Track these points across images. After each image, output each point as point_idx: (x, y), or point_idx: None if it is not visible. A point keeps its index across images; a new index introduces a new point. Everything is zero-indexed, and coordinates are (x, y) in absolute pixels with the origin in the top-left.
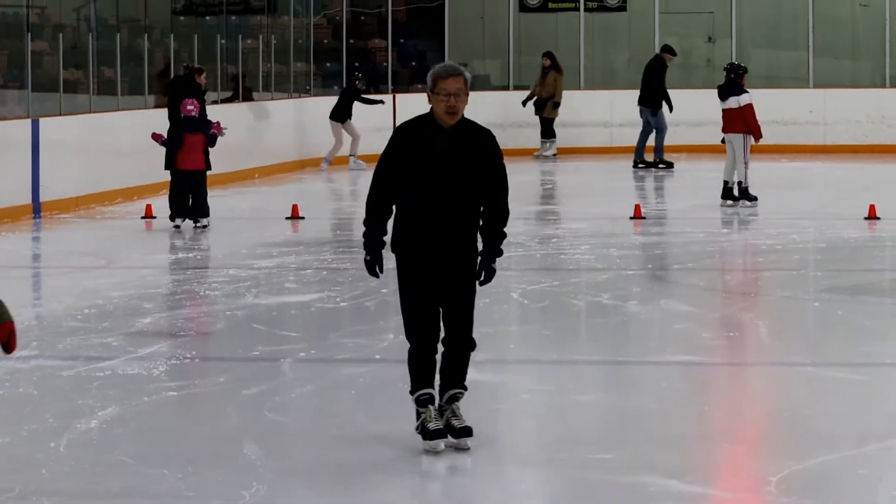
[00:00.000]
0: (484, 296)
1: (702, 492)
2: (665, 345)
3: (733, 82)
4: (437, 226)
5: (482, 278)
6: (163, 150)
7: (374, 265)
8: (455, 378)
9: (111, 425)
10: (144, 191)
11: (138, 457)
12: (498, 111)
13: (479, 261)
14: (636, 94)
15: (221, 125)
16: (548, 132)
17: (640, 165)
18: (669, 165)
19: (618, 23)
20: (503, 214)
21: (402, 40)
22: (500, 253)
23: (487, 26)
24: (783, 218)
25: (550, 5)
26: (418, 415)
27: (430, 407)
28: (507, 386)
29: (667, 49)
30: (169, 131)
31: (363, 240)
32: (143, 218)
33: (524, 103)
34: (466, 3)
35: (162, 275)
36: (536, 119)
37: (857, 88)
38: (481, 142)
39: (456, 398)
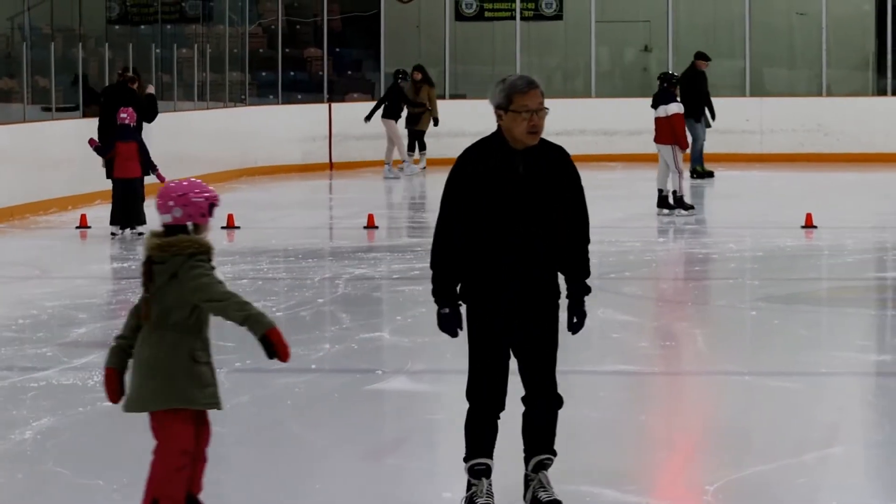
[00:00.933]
0: (419, 305)
1: (639, 501)
2: (602, 354)
3: (666, 91)
4: (519, 264)
5: (574, 321)
6: (99, 159)
7: (452, 322)
8: (543, 442)
9: (45, 436)
10: (79, 200)
11: (73, 468)
12: None
13: (564, 302)
14: (571, 102)
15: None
16: (422, 144)
17: (694, 176)
18: (709, 174)
19: (554, 31)
20: (587, 245)
21: (337, 49)
22: (589, 290)
23: (423, 35)
24: (720, 227)
25: (486, 14)
26: (469, 486)
27: (485, 480)
28: (444, 395)
29: (699, 56)
30: (101, 139)
31: (433, 287)
32: (77, 228)
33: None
34: (402, 12)
35: (97, 285)
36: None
37: (794, 97)
38: (558, 161)
39: (545, 465)
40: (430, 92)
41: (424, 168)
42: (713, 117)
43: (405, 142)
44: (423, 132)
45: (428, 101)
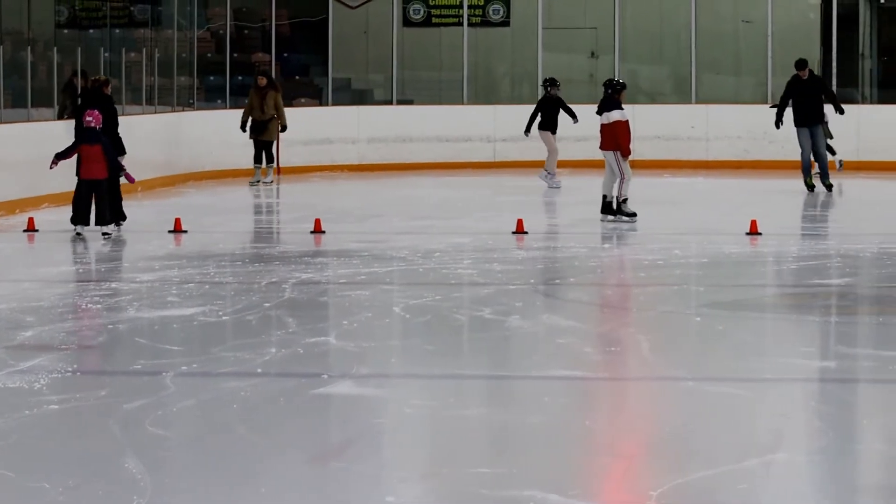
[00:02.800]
0: (365, 310)
1: None
2: (547, 359)
3: (610, 98)
4: None
5: None
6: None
7: None
8: None
9: None
10: (27, 204)
11: (19, 470)
12: (382, 125)
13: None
14: (518, 108)
15: (132, 177)
16: (270, 156)
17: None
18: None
19: (501, 38)
20: None
21: (285, 54)
22: None
23: (371, 41)
24: (665, 233)
25: (434, 20)
26: None
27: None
28: (390, 400)
29: (798, 64)
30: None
31: None
32: (24, 231)
33: (243, 127)
34: (350, 17)
35: (44, 288)
36: (424, 133)
37: (740, 104)
38: None
39: None
40: (277, 98)
41: (272, 182)
42: (776, 125)
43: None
44: (272, 142)
45: (275, 107)
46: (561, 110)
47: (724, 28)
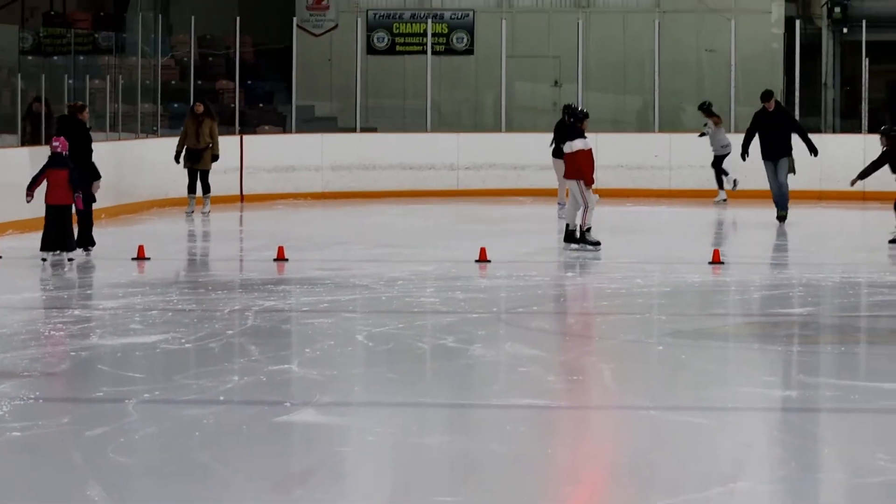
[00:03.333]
0: (328, 338)
1: None
2: (510, 388)
3: (572, 127)
4: None
5: None
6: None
7: None
8: None
9: None
10: None
11: None
12: (346, 153)
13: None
14: (482, 136)
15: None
16: (206, 186)
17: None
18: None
19: (465, 66)
20: None
21: (249, 81)
22: None
23: (335, 68)
24: (628, 262)
25: (398, 48)
26: None
27: None
28: (352, 428)
29: (764, 96)
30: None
31: None
32: None
33: (177, 157)
34: (314, 45)
35: (6, 315)
36: (387, 161)
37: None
38: None
39: None
40: (213, 126)
41: (209, 212)
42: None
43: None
44: (207, 171)
45: (210, 136)
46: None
47: (688, 57)
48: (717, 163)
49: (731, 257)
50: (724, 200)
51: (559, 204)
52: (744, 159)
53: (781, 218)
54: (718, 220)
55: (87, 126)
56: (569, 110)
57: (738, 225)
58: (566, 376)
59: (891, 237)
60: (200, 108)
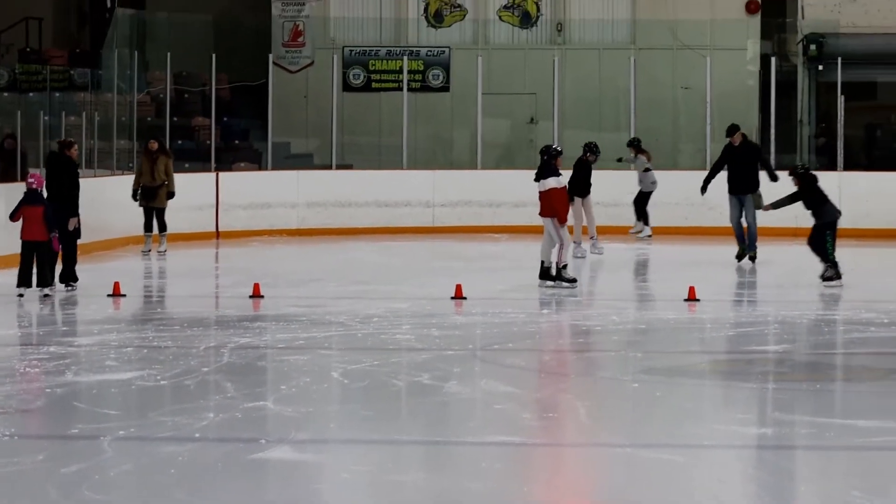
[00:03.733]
0: (304, 375)
1: None
2: (485, 425)
3: (547, 164)
4: None
5: None
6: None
7: None
8: None
9: None
10: None
11: None
12: (321, 190)
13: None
14: (457, 173)
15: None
16: (163, 224)
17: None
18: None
19: (441, 102)
20: None
21: (225, 118)
22: None
23: (311, 105)
24: (603, 299)
25: (374, 85)
26: None
27: None
28: (328, 465)
29: (728, 130)
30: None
31: None
32: None
33: (134, 195)
34: (290, 82)
35: None
36: (363, 198)
37: (679, 171)
38: None
39: None
40: (168, 164)
41: (165, 251)
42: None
43: (583, 224)
44: (163, 210)
45: (165, 173)
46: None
47: (663, 94)
48: (643, 199)
49: (707, 294)
50: (649, 236)
51: (575, 243)
52: (702, 193)
53: (752, 258)
54: (694, 256)
55: (76, 163)
56: (545, 150)
57: (714, 262)
58: (541, 413)
59: (824, 273)
60: (155, 146)
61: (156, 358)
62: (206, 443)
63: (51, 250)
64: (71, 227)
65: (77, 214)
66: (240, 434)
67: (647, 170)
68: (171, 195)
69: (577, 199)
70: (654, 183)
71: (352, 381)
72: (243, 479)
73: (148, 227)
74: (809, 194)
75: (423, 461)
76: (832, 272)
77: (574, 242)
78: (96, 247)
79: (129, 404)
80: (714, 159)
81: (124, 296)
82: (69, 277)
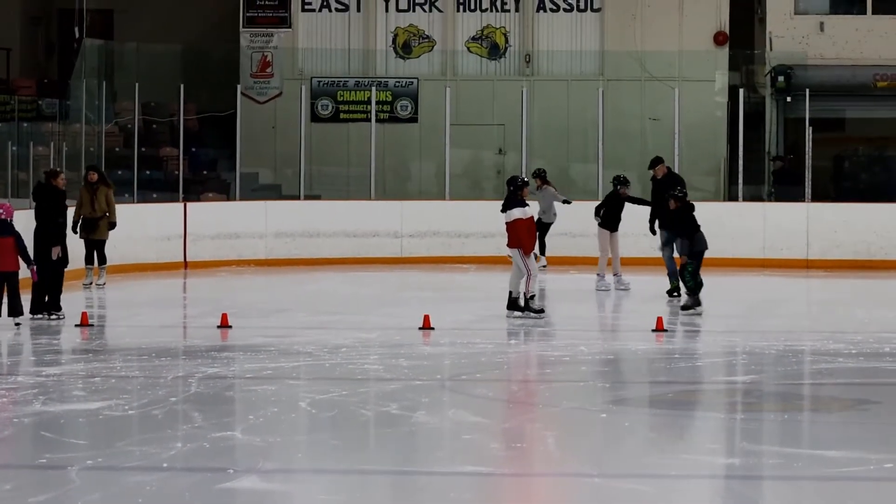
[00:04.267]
0: (272, 405)
1: None
2: (453, 455)
3: (513, 195)
4: None
5: None
6: None
7: None
8: None
9: None
10: None
11: None
12: (289, 220)
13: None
14: (426, 203)
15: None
16: (103, 257)
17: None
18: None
19: (409, 133)
20: None
21: (193, 149)
22: None
23: (279, 135)
24: (571, 329)
25: (342, 116)
26: None
27: None
28: (296, 495)
29: (651, 163)
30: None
31: None
32: None
33: (74, 227)
34: (258, 112)
35: None
36: (332, 228)
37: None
38: None
39: None
40: (109, 194)
41: (104, 283)
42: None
43: (608, 259)
44: (104, 242)
45: (107, 204)
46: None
47: (632, 125)
48: (542, 230)
49: (674, 325)
50: (544, 266)
51: (598, 276)
52: (653, 233)
53: (682, 291)
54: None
55: (63, 192)
56: (511, 181)
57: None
58: (510, 443)
59: (682, 303)
60: (94, 177)
61: (123, 388)
62: (174, 472)
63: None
64: (54, 257)
65: (63, 244)
66: (208, 464)
67: (565, 201)
68: (112, 226)
69: (606, 233)
70: (555, 215)
71: (320, 410)
72: None
73: (89, 259)
74: (682, 220)
75: (391, 491)
76: (690, 301)
77: (598, 275)
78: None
79: (97, 434)
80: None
81: (92, 325)
82: (54, 307)
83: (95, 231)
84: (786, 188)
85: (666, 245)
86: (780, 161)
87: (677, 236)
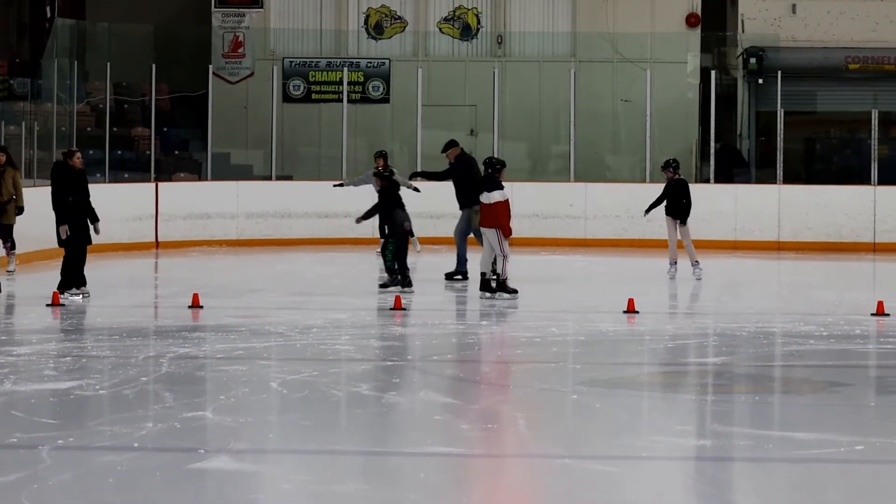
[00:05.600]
0: (243, 385)
1: None
2: (424, 436)
3: (490, 177)
4: None
5: None
6: None
7: None
8: None
9: None
10: None
11: None
12: (261, 201)
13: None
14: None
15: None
16: (12, 242)
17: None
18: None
19: (381, 114)
20: None
21: (165, 129)
22: None
23: (251, 116)
24: (542, 311)
25: (314, 96)
26: None
27: None
28: (266, 476)
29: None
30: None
31: None
32: None
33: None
34: (230, 92)
35: None
36: (303, 209)
37: (618, 183)
38: None
39: None
40: (16, 177)
41: (14, 270)
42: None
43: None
44: (11, 226)
45: (14, 187)
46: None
47: (604, 106)
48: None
49: (645, 306)
50: (419, 251)
51: (672, 263)
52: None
53: (462, 275)
54: (633, 268)
55: (82, 170)
56: (489, 163)
57: (652, 274)
58: (480, 424)
59: (383, 281)
60: (2, 159)
61: (94, 367)
62: (145, 452)
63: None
64: (63, 236)
65: (79, 222)
66: (179, 444)
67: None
68: (20, 211)
69: (674, 221)
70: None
71: (291, 391)
72: (182, 488)
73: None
74: (386, 200)
75: (362, 472)
76: (389, 280)
77: (671, 263)
78: (35, 256)
79: (68, 414)
80: (654, 173)
81: (62, 305)
82: (80, 282)
83: (2, 215)
84: (728, 169)
85: (460, 223)
86: (720, 142)
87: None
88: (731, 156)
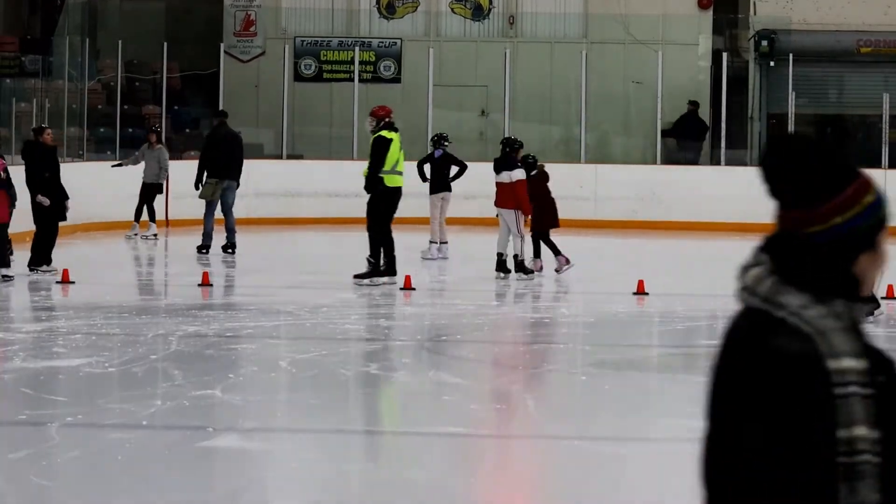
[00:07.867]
0: (252, 364)
1: None
2: (433, 416)
3: (508, 157)
4: None
5: None
6: None
7: None
8: None
9: None
10: None
11: None
12: (272, 180)
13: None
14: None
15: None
16: None
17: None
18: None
19: (392, 94)
20: None
21: (176, 107)
22: None
23: (262, 95)
24: (552, 292)
25: (325, 76)
26: None
27: None
28: (275, 454)
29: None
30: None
31: None
32: None
33: None
34: (241, 71)
35: None
36: (313, 188)
37: (629, 164)
38: None
39: None
40: None
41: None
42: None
43: None
44: None
45: None
46: None
47: (615, 88)
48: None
49: (656, 288)
50: (155, 235)
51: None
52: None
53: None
54: (643, 250)
55: (52, 147)
56: (507, 142)
57: (663, 255)
58: (489, 405)
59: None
60: None
61: (104, 345)
62: (154, 430)
63: (4, 233)
64: (45, 203)
65: (55, 198)
66: (187, 422)
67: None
68: None
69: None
70: (166, 171)
71: (300, 370)
72: (190, 466)
73: None
74: None
75: (370, 451)
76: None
77: None
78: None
79: (77, 391)
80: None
81: (73, 283)
82: (45, 260)
83: None
84: (686, 141)
85: None
86: (693, 105)
87: None
88: (691, 126)
